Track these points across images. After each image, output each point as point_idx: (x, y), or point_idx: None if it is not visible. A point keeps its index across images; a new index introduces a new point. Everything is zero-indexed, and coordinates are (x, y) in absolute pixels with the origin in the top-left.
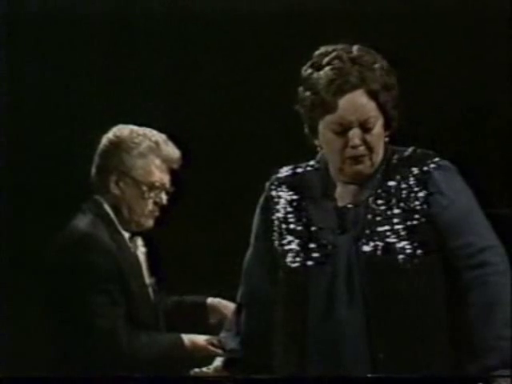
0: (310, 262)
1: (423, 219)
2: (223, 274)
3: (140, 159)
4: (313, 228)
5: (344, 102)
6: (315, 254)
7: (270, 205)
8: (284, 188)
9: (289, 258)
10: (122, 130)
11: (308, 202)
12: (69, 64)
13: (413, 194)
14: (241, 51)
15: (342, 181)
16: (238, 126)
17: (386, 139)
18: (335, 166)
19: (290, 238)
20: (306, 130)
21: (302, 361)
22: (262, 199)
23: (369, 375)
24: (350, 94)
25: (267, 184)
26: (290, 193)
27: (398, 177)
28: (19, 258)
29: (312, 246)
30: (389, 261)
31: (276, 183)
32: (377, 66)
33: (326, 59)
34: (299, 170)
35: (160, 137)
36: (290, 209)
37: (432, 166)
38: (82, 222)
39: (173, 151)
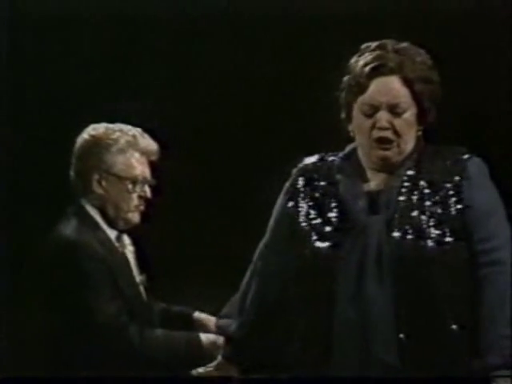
0: (341, 241)
1: (454, 208)
2: (212, 265)
3: (120, 155)
4: (344, 209)
5: (376, 83)
6: (346, 234)
7: (296, 190)
8: (314, 174)
9: (318, 238)
10: (97, 129)
11: (339, 186)
12: (65, 65)
13: (447, 184)
14: (218, 44)
15: (371, 168)
16: (216, 115)
17: (419, 133)
18: (364, 151)
19: (320, 219)
20: (343, 115)
21: (328, 338)
22: (287, 185)
23: (369, 375)
24: (384, 77)
25: (294, 171)
26: (320, 178)
27: (431, 165)
28: (19, 258)
29: (343, 226)
30: (418, 245)
31: (305, 169)
32: (419, 59)
33: (371, 47)
34: (329, 159)
35: (136, 130)
36: (319, 193)
37: (466, 158)
38: (67, 229)
39: (150, 143)
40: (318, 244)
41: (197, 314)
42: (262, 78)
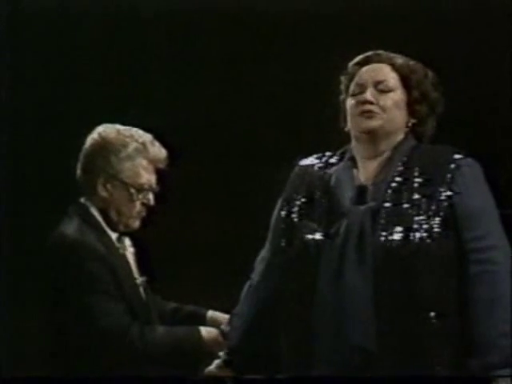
0: (328, 233)
1: (445, 203)
2: (213, 270)
3: (128, 161)
4: (333, 202)
5: (365, 68)
6: (333, 225)
7: (292, 190)
8: (309, 172)
9: (308, 231)
10: (108, 131)
11: (331, 180)
12: (65, 64)
13: (437, 180)
14: (227, 46)
15: (362, 157)
16: (225, 122)
17: (410, 124)
18: (351, 125)
19: (311, 214)
20: (341, 118)
21: (308, 325)
22: (287, 186)
23: (368, 375)
24: (373, 64)
25: (292, 172)
26: (314, 175)
27: (422, 161)
28: (19, 258)
29: (331, 218)
30: (403, 237)
31: (301, 169)
32: (406, 58)
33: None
34: (324, 158)
35: (147, 137)
36: (313, 189)
37: (459, 158)
38: (69, 228)
39: (159, 151)
40: (308, 236)
41: (210, 313)
42: (270, 82)
